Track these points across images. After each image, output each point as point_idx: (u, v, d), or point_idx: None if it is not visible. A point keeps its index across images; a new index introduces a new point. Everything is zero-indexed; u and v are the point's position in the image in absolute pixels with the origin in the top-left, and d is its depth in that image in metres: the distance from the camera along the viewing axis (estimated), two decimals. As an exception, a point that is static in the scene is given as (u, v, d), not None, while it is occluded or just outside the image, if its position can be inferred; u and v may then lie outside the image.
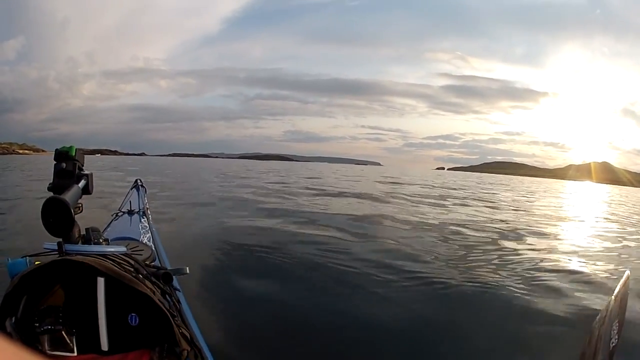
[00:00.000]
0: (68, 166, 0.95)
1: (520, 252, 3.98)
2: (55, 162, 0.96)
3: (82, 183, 0.96)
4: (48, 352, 0.76)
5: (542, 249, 4.27)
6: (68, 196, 0.83)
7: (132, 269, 0.86)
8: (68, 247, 0.83)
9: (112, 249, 0.90)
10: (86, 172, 0.99)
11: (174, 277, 1.01)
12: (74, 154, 0.96)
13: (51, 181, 0.95)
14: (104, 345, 0.77)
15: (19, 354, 0.21)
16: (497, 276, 3.04)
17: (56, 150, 0.97)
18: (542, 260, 3.68)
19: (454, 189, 15.50)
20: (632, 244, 5.07)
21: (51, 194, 0.86)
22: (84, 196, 0.97)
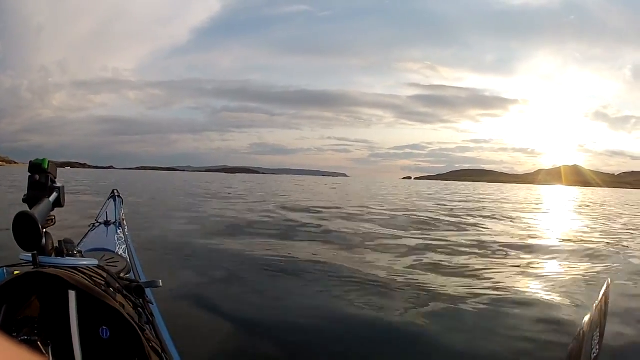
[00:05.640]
0: (41, 178, 0.96)
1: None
2: (29, 174, 0.98)
3: (53, 196, 0.97)
4: None
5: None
6: (37, 211, 0.85)
7: (103, 283, 0.88)
8: (42, 259, 0.86)
9: (85, 262, 0.93)
10: (58, 184, 1.01)
11: (147, 289, 1.04)
12: (46, 166, 0.98)
13: (26, 193, 0.97)
14: (78, 358, 0.78)
15: (20, 354, 0.21)
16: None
17: (30, 162, 0.99)
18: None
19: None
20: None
21: (26, 205, 0.90)
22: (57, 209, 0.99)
